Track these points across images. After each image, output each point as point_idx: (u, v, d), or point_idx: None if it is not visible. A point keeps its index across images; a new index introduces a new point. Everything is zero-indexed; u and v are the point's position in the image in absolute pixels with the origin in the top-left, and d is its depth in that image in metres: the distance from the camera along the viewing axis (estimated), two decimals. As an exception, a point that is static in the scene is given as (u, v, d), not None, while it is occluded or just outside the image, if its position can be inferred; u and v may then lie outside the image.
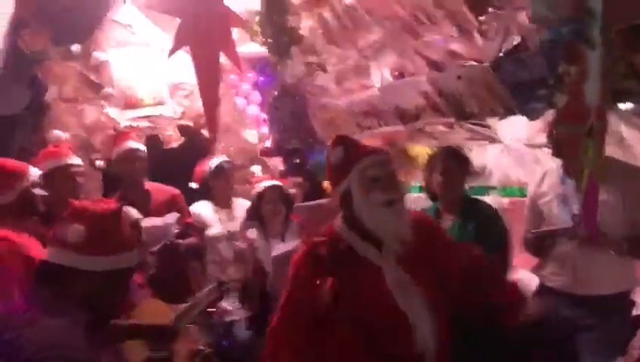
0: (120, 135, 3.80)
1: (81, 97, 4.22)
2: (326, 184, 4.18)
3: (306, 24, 4.26)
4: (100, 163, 4.19)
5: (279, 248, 3.00)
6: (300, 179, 3.84)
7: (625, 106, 2.66)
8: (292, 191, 3.48)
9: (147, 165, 3.60)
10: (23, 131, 4.17)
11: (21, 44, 3.94)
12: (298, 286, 1.94)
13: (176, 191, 3.72)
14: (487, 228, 2.62)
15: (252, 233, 3.29)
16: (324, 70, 4.29)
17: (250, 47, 4.49)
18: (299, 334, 1.89)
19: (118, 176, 3.63)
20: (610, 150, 2.81)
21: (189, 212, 3.76)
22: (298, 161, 2.96)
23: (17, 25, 3.76)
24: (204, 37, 2.89)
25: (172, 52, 2.90)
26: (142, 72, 4.43)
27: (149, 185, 3.63)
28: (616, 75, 2.52)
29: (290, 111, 2.72)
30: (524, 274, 2.92)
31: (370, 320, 1.81)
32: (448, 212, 2.75)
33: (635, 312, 2.53)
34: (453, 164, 2.74)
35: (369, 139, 4.62)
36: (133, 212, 2.65)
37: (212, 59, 2.97)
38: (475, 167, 3.08)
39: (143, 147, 3.65)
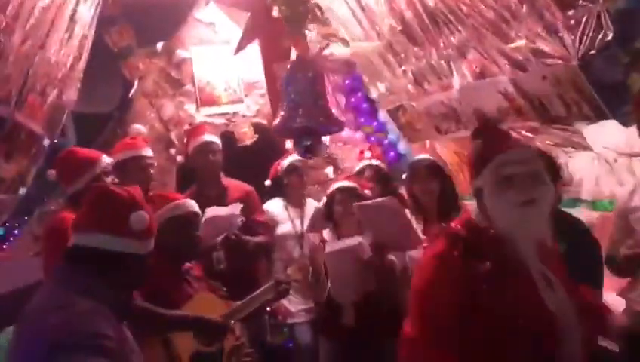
0: (194, 128, 3.81)
1: (161, 92, 4.34)
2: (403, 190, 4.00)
3: (386, 22, 4.15)
4: (179, 158, 4.27)
5: (333, 245, 2.90)
6: (373, 185, 3.70)
7: None
8: (367, 192, 3.34)
9: (221, 160, 3.61)
10: (109, 126, 4.36)
11: (108, 41, 4.11)
12: (440, 288, 1.73)
13: (250, 188, 3.72)
14: (579, 249, 2.33)
15: (326, 233, 3.21)
16: (347, 44, 4.07)
17: (336, 49, 4.44)
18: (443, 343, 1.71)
19: (195, 170, 3.67)
20: None
21: (261, 209, 3.74)
22: (310, 143, 2.77)
23: (105, 22, 3.92)
24: (273, 31, 2.84)
25: (240, 47, 2.87)
26: (221, 70, 4.50)
27: (225, 180, 3.64)
28: None
29: (302, 87, 2.58)
30: (610, 297, 2.63)
31: (518, 319, 1.67)
32: None
33: None
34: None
35: (447, 144, 4.43)
36: (191, 203, 2.65)
37: (281, 55, 2.91)
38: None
39: (217, 140, 3.66)
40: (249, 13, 2.91)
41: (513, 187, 1.67)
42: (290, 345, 3.84)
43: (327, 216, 3.22)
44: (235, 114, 4.49)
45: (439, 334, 1.69)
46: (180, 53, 4.41)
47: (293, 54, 3.04)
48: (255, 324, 3.29)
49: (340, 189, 3.13)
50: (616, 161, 3.20)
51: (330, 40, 3.02)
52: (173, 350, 2.34)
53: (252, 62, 4.28)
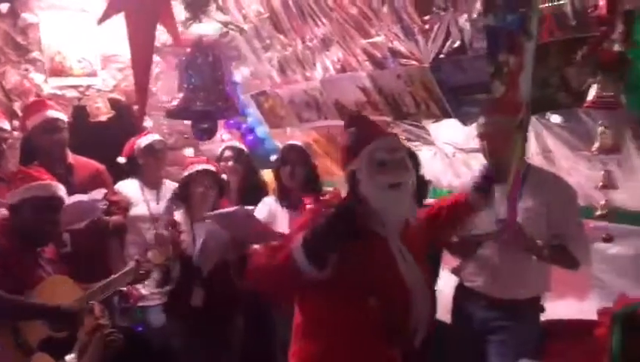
0: (36, 102, 3.52)
1: (4, 58, 3.94)
2: (265, 174, 4.06)
3: (252, 7, 4.17)
4: (15, 133, 3.92)
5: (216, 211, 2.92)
6: (233, 164, 3.74)
7: (553, 118, 2.73)
8: (224, 176, 3.37)
9: (67, 137, 3.39)
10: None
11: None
12: None
13: (101, 167, 3.55)
14: None
15: (178, 215, 3.17)
16: (242, 32, 4.13)
17: (201, 28, 4.35)
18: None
19: (37, 147, 3.40)
20: (538, 160, 2.88)
21: (113, 189, 3.60)
22: (207, 126, 2.82)
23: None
24: (140, 5, 2.73)
25: (103, 18, 2.72)
26: (74, 39, 4.21)
27: (72, 158, 3.43)
28: (550, 87, 2.59)
29: (202, 70, 2.61)
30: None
31: (374, 289, 1.86)
32: None
33: (542, 317, 2.59)
34: None
35: (308, 132, 4.60)
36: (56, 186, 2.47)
37: (148, 30, 2.81)
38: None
39: (63, 117, 3.43)
40: (114, -17, 2.76)
41: (384, 171, 1.88)
42: (140, 329, 3.75)
43: (181, 198, 3.18)
44: (88, 87, 4.23)
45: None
46: (27, 17, 4.02)
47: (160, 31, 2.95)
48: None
49: (201, 171, 3.12)
50: (454, 155, 3.58)
51: (229, 28, 3.02)
52: (22, 336, 2.21)
53: (110, 34, 4.04)
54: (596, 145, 1.99)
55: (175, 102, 2.84)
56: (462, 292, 2.65)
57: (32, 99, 3.83)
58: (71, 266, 2.82)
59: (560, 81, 2.53)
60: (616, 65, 1.85)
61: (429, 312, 1.95)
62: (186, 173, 3.14)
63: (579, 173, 2.85)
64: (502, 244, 2.40)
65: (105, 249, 3.49)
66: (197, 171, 3.11)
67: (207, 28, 3.17)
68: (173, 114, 3.37)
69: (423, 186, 2.81)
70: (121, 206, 3.55)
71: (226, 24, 3.13)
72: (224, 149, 3.84)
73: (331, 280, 1.78)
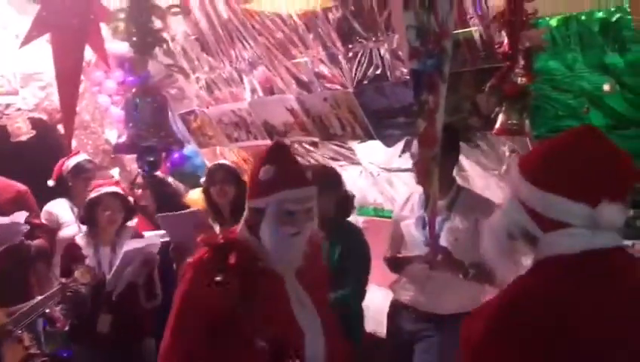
0: None
1: None
2: (190, 196, 4.02)
3: (179, 29, 4.20)
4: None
5: (130, 243, 2.89)
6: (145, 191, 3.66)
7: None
8: (131, 199, 3.32)
9: None
10: None
11: None
12: (196, 293, 1.85)
13: (23, 188, 3.43)
14: (353, 253, 2.68)
15: (79, 239, 3.10)
16: (185, 75, 4.20)
17: (119, 45, 4.31)
18: (196, 345, 1.83)
19: None
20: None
21: (37, 211, 3.48)
22: (152, 159, 2.86)
23: None
24: (67, 26, 2.71)
25: (27, 40, 2.66)
26: (-8, 57, 4.07)
27: None
28: (463, 112, 2.81)
29: (150, 109, 2.67)
30: (377, 292, 3.07)
31: (269, 331, 1.80)
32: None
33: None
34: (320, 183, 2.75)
35: (237, 151, 4.66)
36: None
37: (75, 51, 2.79)
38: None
39: None
40: (39, 5, 2.72)
41: (289, 221, 1.84)
42: (65, 354, 3.63)
43: (87, 220, 3.08)
44: (7, 106, 4.09)
45: (187, 340, 1.85)
46: (-60, 32, 3.87)
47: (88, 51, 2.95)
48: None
49: (108, 194, 3.06)
50: (378, 174, 3.76)
51: (172, 70, 3.03)
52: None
53: (31, 52, 3.94)
54: (504, 167, 2.19)
55: (122, 139, 2.86)
56: (395, 307, 2.75)
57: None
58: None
59: (472, 106, 2.76)
60: (519, 96, 2.06)
61: (327, 357, 1.90)
62: (92, 196, 3.02)
63: (491, 191, 3.09)
64: (430, 264, 2.49)
65: (29, 273, 3.37)
66: (103, 194, 3.05)
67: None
68: (120, 150, 3.34)
69: (345, 201, 2.86)
70: (45, 229, 3.45)
71: (170, 66, 3.16)
72: (136, 175, 3.75)
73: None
